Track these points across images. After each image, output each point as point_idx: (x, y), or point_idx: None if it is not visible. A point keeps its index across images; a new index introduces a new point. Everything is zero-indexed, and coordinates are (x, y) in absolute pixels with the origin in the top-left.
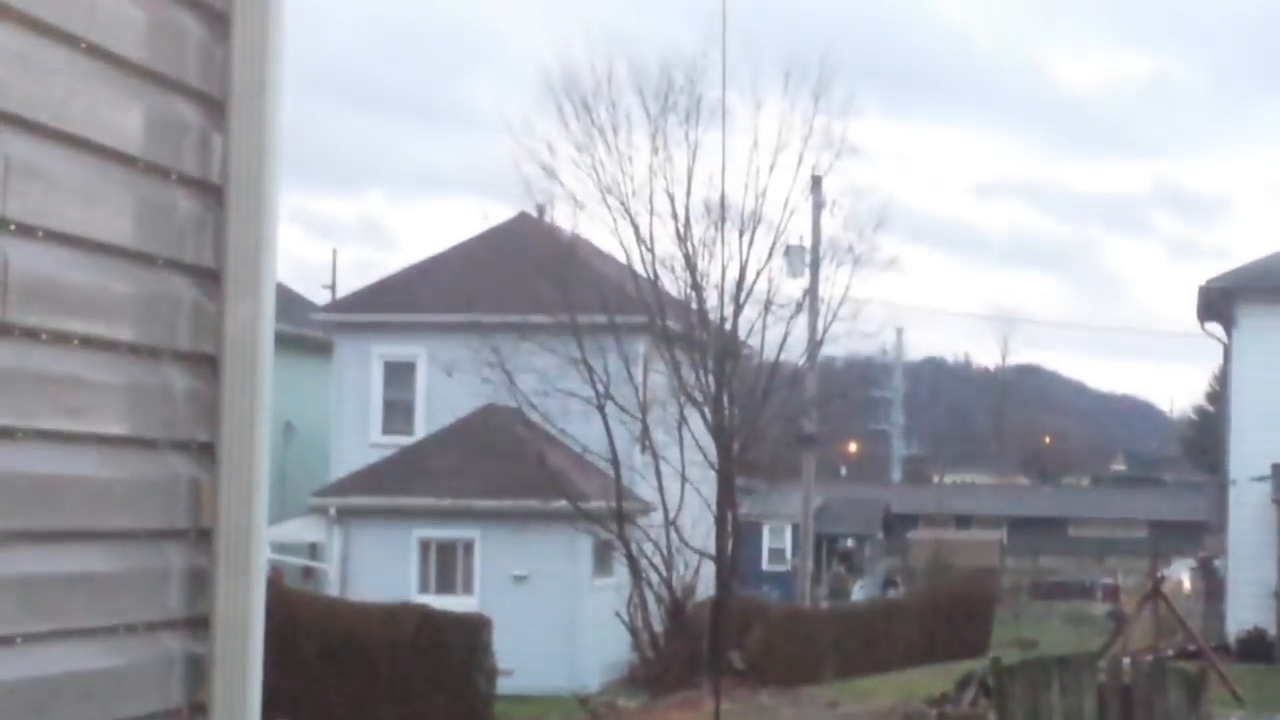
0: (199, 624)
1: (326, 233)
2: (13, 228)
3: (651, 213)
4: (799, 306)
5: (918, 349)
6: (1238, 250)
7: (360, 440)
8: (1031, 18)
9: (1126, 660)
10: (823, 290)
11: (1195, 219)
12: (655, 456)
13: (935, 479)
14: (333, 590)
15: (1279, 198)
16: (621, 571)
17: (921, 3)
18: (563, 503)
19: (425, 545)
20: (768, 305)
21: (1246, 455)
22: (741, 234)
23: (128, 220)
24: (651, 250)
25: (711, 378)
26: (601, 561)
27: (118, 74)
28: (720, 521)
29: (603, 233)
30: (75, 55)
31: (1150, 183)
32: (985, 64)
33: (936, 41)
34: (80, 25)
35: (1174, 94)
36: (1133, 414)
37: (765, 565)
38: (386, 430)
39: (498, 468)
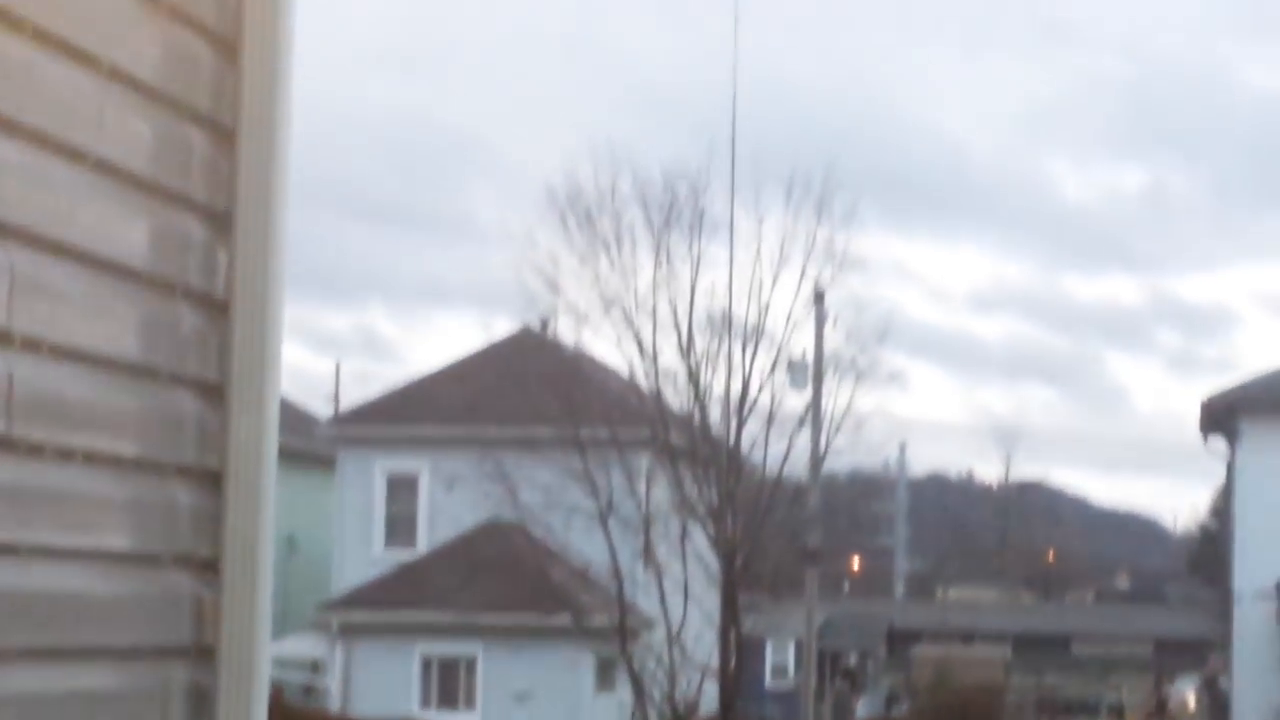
0: None
1: (329, 346)
2: (18, 342)
3: (654, 326)
4: (802, 420)
5: (921, 463)
6: (1239, 364)
7: (362, 555)
8: (1030, 130)
9: None
10: (826, 404)
11: (1196, 332)
12: (658, 571)
13: (939, 595)
14: (335, 706)
15: (1276, 310)
16: (624, 687)
17: (919, 115)
18: (565, 618)
19: (427, 661)
20: (771, 419)
21: (1251, 571)
22: (745, 347)
23: (132, 334)
24: (654, 364)
25: (714, 492)
26: (604, 677)
27: (124, 188)
28: (723, 637)
29: (606, 346)
30: (82, 169)
31: (1150, 295)
32: (984, 176)
33: (935, 154)
34: (87, 139)
35: (1173, 207)
36: (1136, 529)
37: (769, 681)
38: (389, 545)
39: (500, 582)
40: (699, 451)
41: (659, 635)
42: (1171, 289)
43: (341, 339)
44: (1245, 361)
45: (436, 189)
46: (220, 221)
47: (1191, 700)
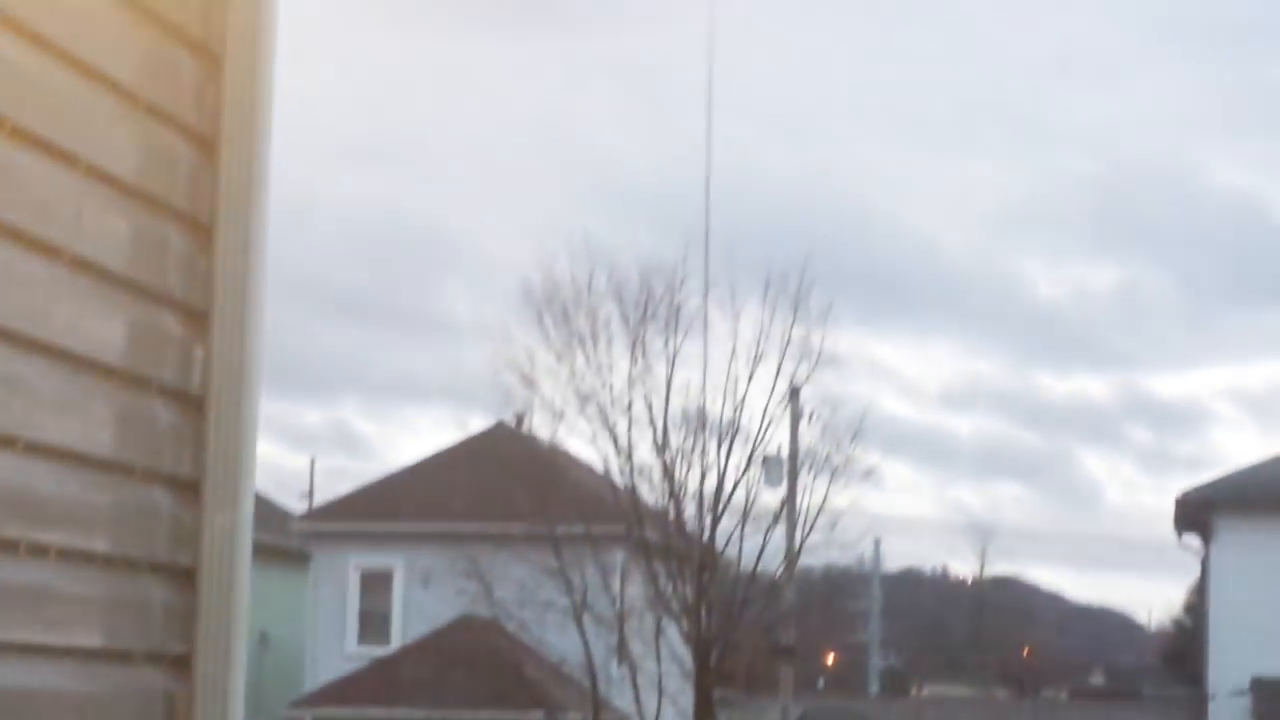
0: None
1: (303, 441)
2: None
3: (630, 422)
4: (777, 517)
5: (895, 559)
6: (1211, 461)
7: (336, 650)
8: (1002, 228)
9: None
10: (801, 500)
11: (1168, 429)
12: (632, 668)
13: (914, 691)
14: None
15: (1250, 408)
16: None
17: (891, 212)
18: (539, 715)
19: None
20: (746, 515)
21: (1226, 668)
22: (720, 444)
23: (107, 431)
24: (630, 460)
25: (689, 588)
26: None
27: (101, 285)
28: None
29: (581, 441)
30: (58, 266)
31: (1122, 392)
32: (956, 273)
33: (907, 250)
34: (64, 237)
35: (1144, 305)
36: (1111, 625)
37: None
38: (362, 640)
39: (474, 678)
40: (674, 547)
41: None
42: (1143, 386)
43: (315, 434)
44: (1218, 458)
45: (409, 283)
46: (197, 318)
47: None
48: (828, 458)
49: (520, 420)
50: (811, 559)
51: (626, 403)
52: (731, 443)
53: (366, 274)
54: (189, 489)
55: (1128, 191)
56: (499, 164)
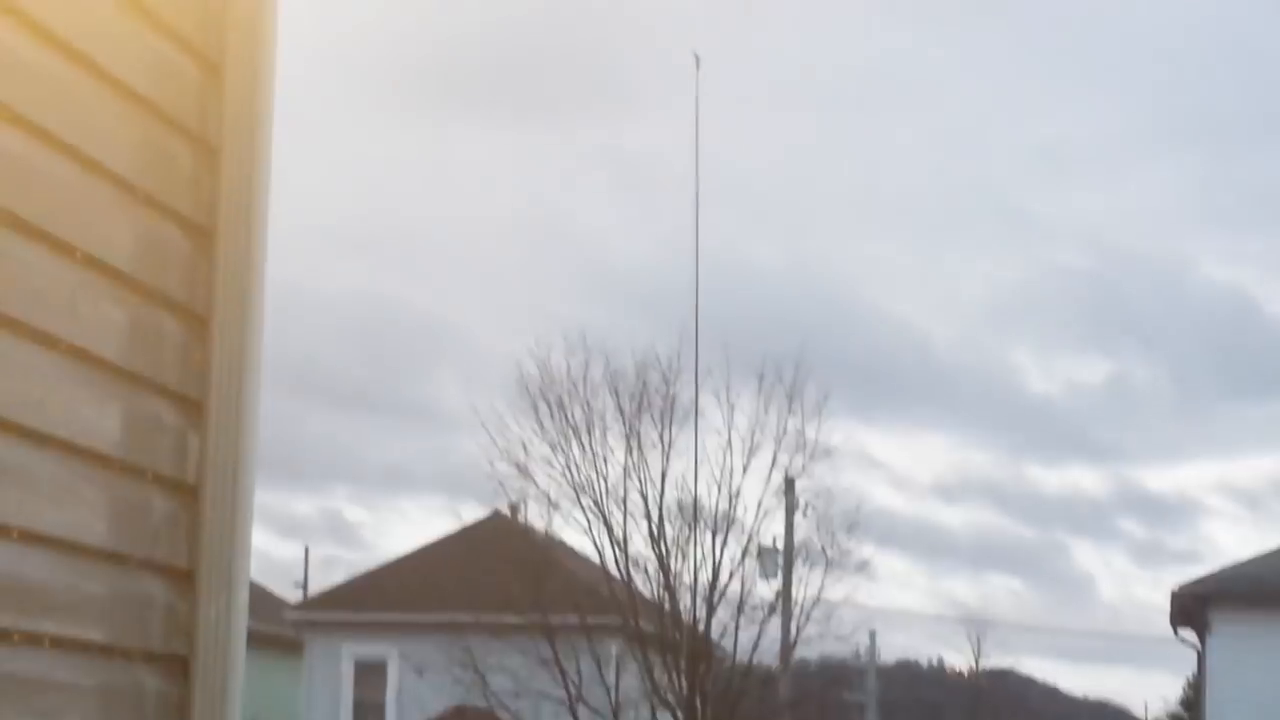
0: None
1: (297, 530)
2: None
3: (625, 513)
4: (772, 608)
5: (891, 651)
6: (1205, 554)
7: None
8: (992, 320)
9: None
10: (796, 592)
11: (1161, 522)
12: None
13: None
14: None
15: (1242, 501)
16: None
17: (881, 304)
18: None
19: None
20: (741, 607)
21: None
22: (714, 535)
23: (102, 520)
24: (624, 551)
25: (684, 680)
26: None
27: (96, 375)
28: None
29: (576, 532)
30: (55, 356)
31: (1114, 485)
32: (947, 365)
33: (898, 343)
34: (60, 327)
35: (1135, 397)
36: (1107, 718)
37: None
38: None
39: None
40: (669, 639)
41: None
42: (1135, 479)
43: (309, 523)
44: (1211, 552)
45: (401, 373)
46: (194, 408)
47: None
48: (823, 550)
49: (515, 511)
50: (807, 651)
51: (621, 494)
52: (726, 534)
53: (357, 363)
54: (183, 578)
55: (1118, 284)
56: (489, 254)
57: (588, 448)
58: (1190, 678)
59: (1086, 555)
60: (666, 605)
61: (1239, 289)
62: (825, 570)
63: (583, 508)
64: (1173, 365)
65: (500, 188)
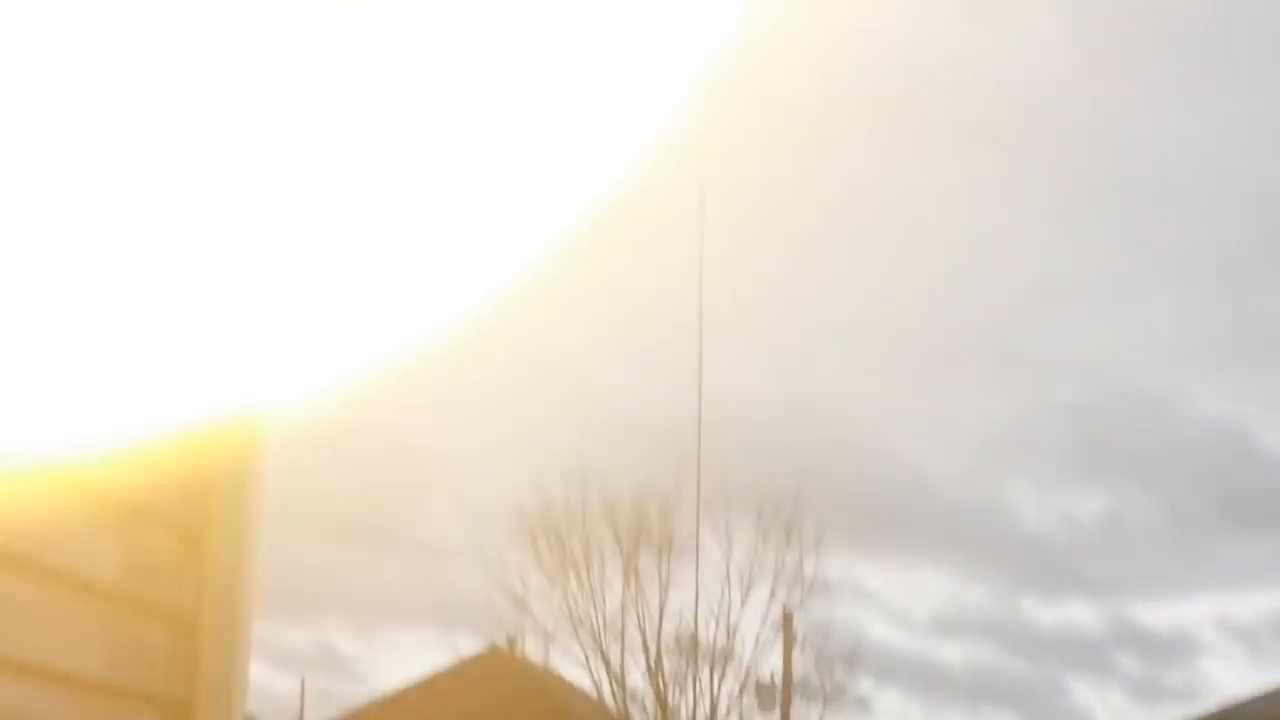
0: None
1: (291, 663)
2: None
3: (623, 646)
4: None
5: None
6: (1201, 690)
7: None
8: (987, 455)
9: None
10: None
11: (1158, 658)
12: None
13: None
14: None
15: (1239, 638)
16: None
17: (877, 438)
18: None
19: None
20: None
21: None
22: (713, 670)
23: (99, 653)
24: (622, 685)
25: None
26: None
27: (99, 506)
28: None
29: (573, 665)
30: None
31: (1111, 621)
32: (943, 500)
33: (893, 477)
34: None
35: (1132, 532)
36: None
37: None
38: None
39: None
40: None
41: None
42: (1132, 615)
43: (303, 655)
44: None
45: (396, 504)
46: (193, 539)
47: None
48: (821, 685)
49: (512, 643)
50: None
51: (620, 627)
52: (724, 669)
53: (351, 493)
54: (181, 711)
55: (1114, 419)
56: (484, 386)
57: (585, 581)
58: None
59: (1084, 691)
60: None
61: (1237, 424)
62: (824, 706)
63: (580, 641)
64: (1170, 500)
65: (493, 320)
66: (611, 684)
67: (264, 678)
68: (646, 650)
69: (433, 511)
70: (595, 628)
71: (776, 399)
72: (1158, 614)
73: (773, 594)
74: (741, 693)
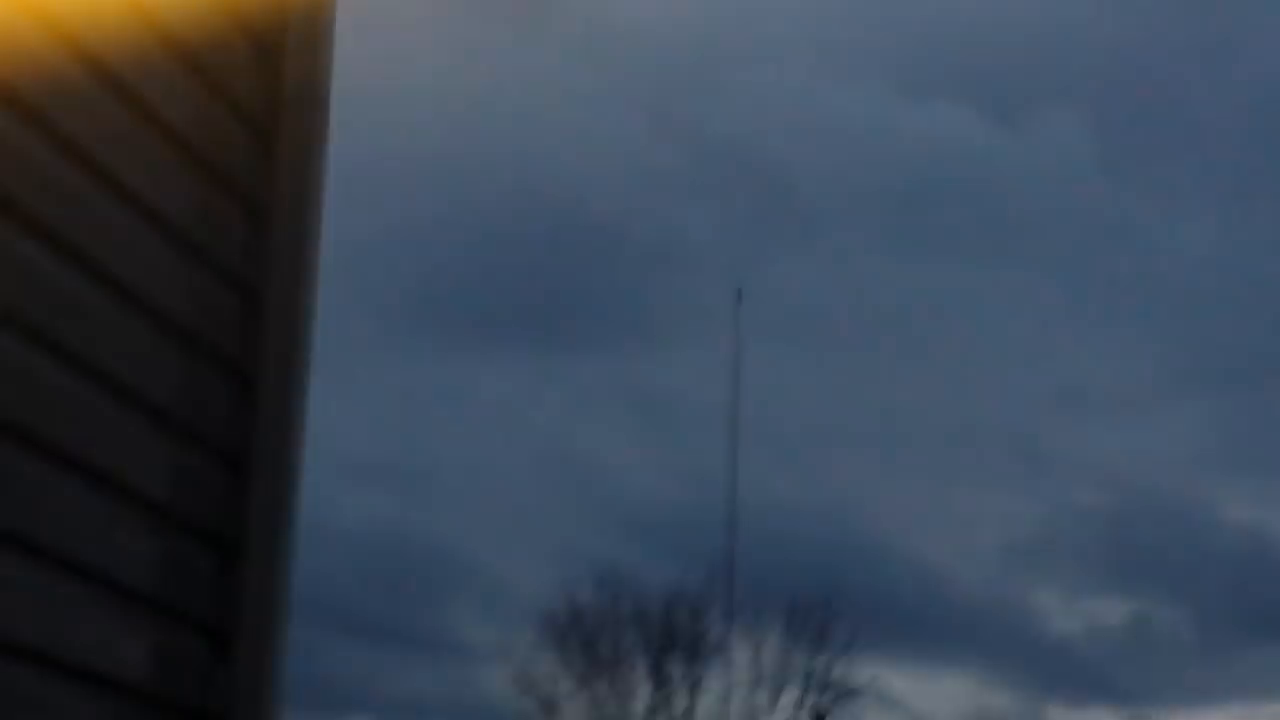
0: None
1: None
2: None
3: None
4: None
5: None
6: None
7: None
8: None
9: None
10: None
11: None
12: None
13: None
14: None
15: None
16: None
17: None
18: None
19: None
20: None
21: None
22: None
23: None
24: None
25: None
26: None
27: (125, 605)
28: None
29: None
30: (84, 588)
31: None
32: (966, 604)
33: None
34: (92, 555)
35: (1157, 639)
36: None
37: None
38: None
39: None
40: None
41: None
42: None
43: None
44: None
45: (419, 603)
46: (220, 640)
47: None
48: None
49: None
50: None
51: None
52: None
53: (374, 593)
54: None
55: (1138, 525)
56: (509, 486)
57: (615, 684)
58: None
59: None
60: None
61: (1263, 530)
62: None
63: None
64: (1195, 607)
65: (517, 419)
66: None
67: None
68: None
69: (460, 613)
70: None
71: (802, 502)
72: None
73: (802, 699)
74: None
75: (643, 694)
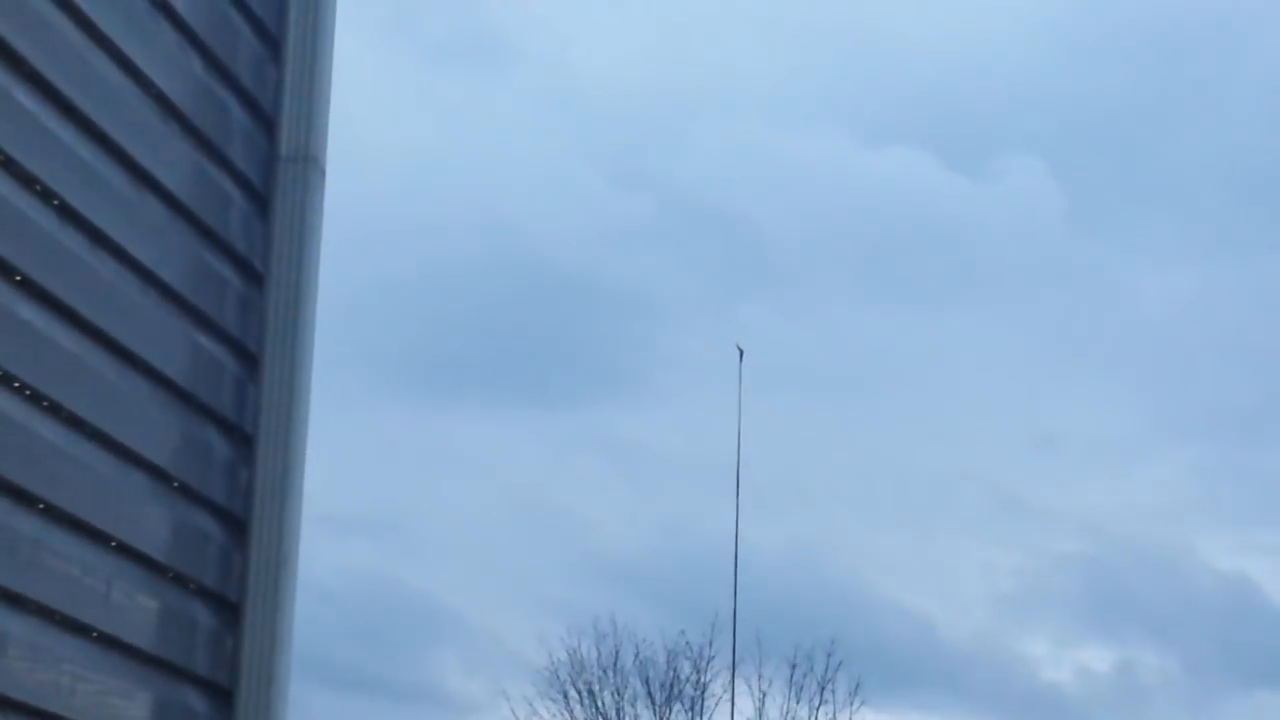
0: None
1: None
2: None
3: None
4: None
5: None
6: None
7: None
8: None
9: None
10: None
11: None
12: None
13: None
14: None
15: None
16: None
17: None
18: None
19: None
20: None
21: None
22: None
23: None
24: None
25: None
26: None
27: (127, 663)
28: None
29: None
30: (86, 644)
31: None
32: (952, 653)
33: (903, 632)
34: (92, 615)
35: (1144, 686)
36: None
37: None
38: None
39: None
40: None
41: None
42: None
43: None
44: None
45: (402, 655)
46: (223, 696)
47: None
48: None
49: None
50: None
51: None
52: None
53: (352, 644)
54: None
55: (1122, 573)
56: (488, 537)
57: None
58: None
59: None
60: None
61: (1246, 580)
62: None
63: None
64: (1182, 654)
65: (496, 471)
66: None
67: None
68: None
69: (438, 662)
70: None
71: (779, 551)
72: None
73: None
74: None
75: None
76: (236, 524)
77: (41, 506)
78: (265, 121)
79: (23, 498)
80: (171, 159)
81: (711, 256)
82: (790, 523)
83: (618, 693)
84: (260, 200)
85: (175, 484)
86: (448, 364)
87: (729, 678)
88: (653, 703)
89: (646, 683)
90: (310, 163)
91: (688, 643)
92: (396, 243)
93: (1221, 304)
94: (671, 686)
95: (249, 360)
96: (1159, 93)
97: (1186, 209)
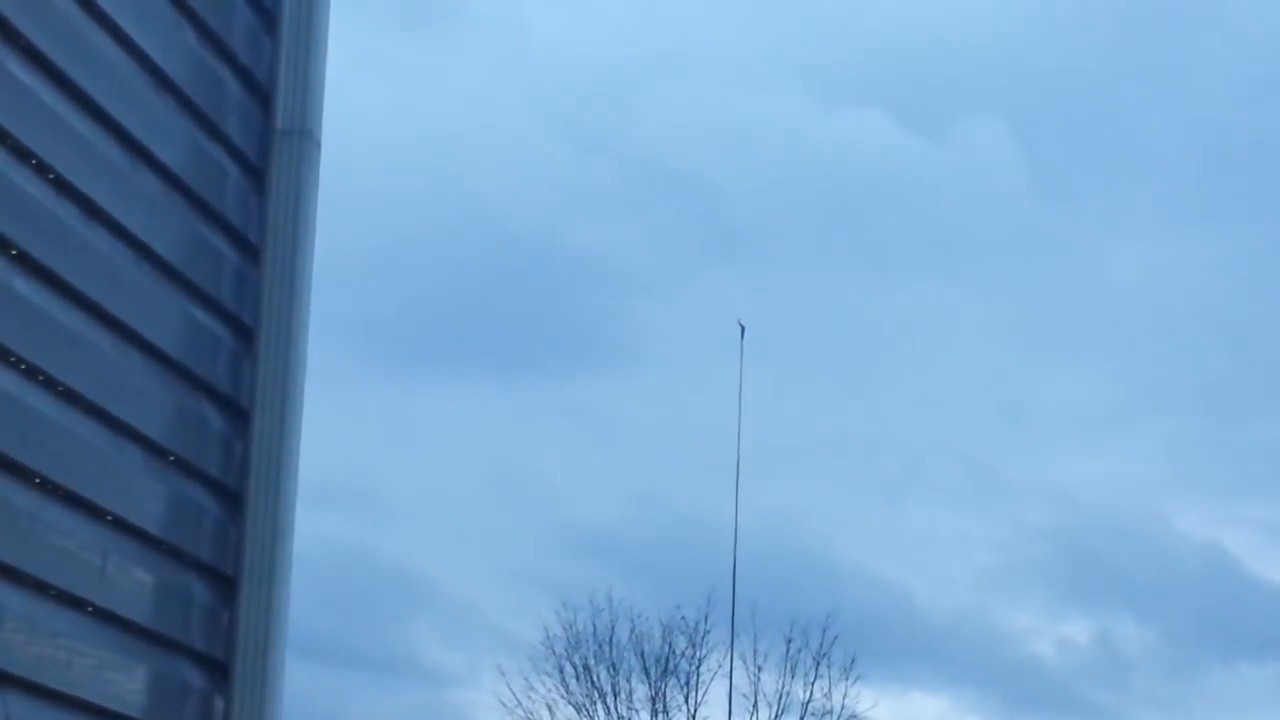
0: None
1: None
2: None
3: None
4: None
5: None
6: None
7: None
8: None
9: None
10: None
11: None
12: None
13: None
14: None
15: None
16: None
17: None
18: None
19: None
20: None
21: None
22: None
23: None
24: None
25: None
26: None
27: (123, 637)
28: None
29: None
30: (82, 618)
31: None
32: (933, 625)
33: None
34: (88, 589)
35: (1124, 656)
36: None
37: None
38: None
39: None
40: None
41: None
42: None
43: None
44: None
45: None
46: (219, 670)
47: None
48: None
49: None
50: None
51: None
52: None
53: (330, 616)
54: None
55: (1097, 543)
56: (462, 506)
57: (613, 710)
58: None
59: None
60: None
61: (1223, 551)
62: None
63: None
64: (1161, 625)
65: (470, 440)
66: None
67: None
68: None
69: (430, 637)
70: None
71: (759, 524)
72: None
73: None
74: None
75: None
76: (232, 498)
77: (37, 481)
78: (261, 95)
79: (18, 472)
80: (167, 132)
81: (673, 222)
82: (762, 495)
83: (613, 668)
84: (256, 174)
85: (171, 458)
86: (414, 332)
87: (723, 653)
88: (648, 677)
89: (642, 657)
90: (306, 136)
91: (683, 617)
92: (359, 212)
93: (1196, 274)
94: (667, 661)
95: (244, 334)
96: (1130, 60)
97: (1159, 179)
